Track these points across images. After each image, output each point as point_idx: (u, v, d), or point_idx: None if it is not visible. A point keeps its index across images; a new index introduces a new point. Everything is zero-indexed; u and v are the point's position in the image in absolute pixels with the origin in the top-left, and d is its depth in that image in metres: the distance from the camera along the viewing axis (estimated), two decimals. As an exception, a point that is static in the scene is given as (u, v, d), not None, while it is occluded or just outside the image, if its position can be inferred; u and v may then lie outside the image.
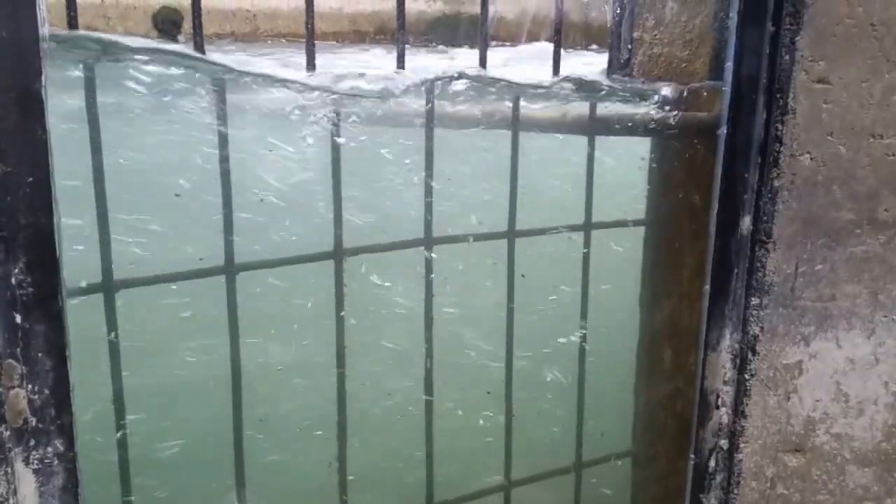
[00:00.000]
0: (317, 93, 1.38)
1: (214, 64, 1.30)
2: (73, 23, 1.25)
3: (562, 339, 1.70)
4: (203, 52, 1.32)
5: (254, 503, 1.40)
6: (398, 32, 1.48)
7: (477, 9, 1.56)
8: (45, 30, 1.06)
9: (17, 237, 1.08)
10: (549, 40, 1.65)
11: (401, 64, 1.48)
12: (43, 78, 1.06)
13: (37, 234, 1.09)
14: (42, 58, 1.05)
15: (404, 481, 1.62)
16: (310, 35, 1.40)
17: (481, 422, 1.67)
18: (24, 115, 1.05)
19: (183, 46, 1.29)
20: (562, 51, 1.59)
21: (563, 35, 1.59)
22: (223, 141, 1.32)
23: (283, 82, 1.36)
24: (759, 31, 1.45)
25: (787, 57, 1.43)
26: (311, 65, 1.41)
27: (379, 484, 1.57)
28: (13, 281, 1.08)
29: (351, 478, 1.47)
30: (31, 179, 1.07)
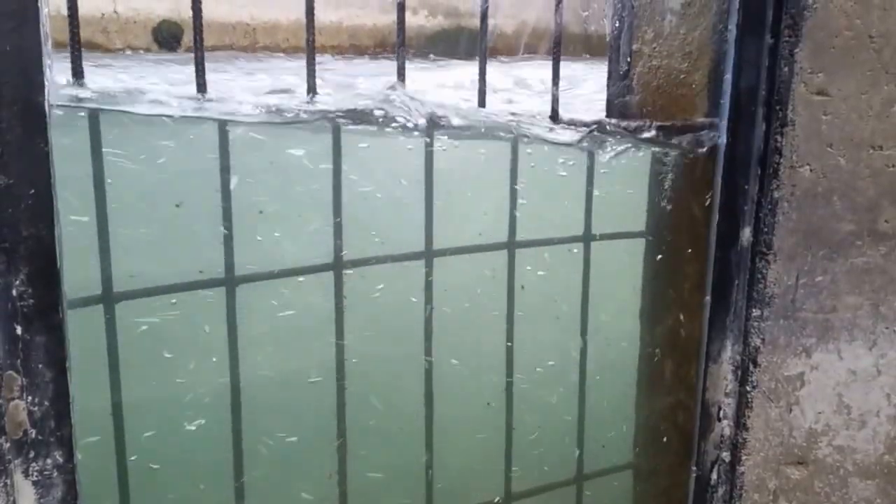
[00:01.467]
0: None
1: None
2: (74, 38, 1.26)
3: (562, 351, 1.70)
4: (203, 69, 1.33)
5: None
6: (398, 47, 1.48)
7: (476, 23, 1.57)
8: (48, 45, 1.07)
9: (19, 249, 1.08)
10: (547, 53, 1.66)
11: (401, 78, 1.49)
12: (46, 91, 1.07)
13: (38, 246, 1.09)
14: (45, 72, 1.06)
15: (404, 494, 1.61)
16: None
17: (481, 434, 1.67)
18: (27, 128, 1.06)
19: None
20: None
21: (562, 47, 1.60)
22: (224, 150, 1.33)
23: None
24: (758, 44, 1.46)
25: (786, 69, 1.44)
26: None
27: (378, 496, 1.57)
28: (14, 292, 1.09)
29: (352, 486, 1.47)
30: (32, 191, 1.08)
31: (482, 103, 1.55)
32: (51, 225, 1.09)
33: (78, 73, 1.25)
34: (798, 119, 1.45)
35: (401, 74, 1.49)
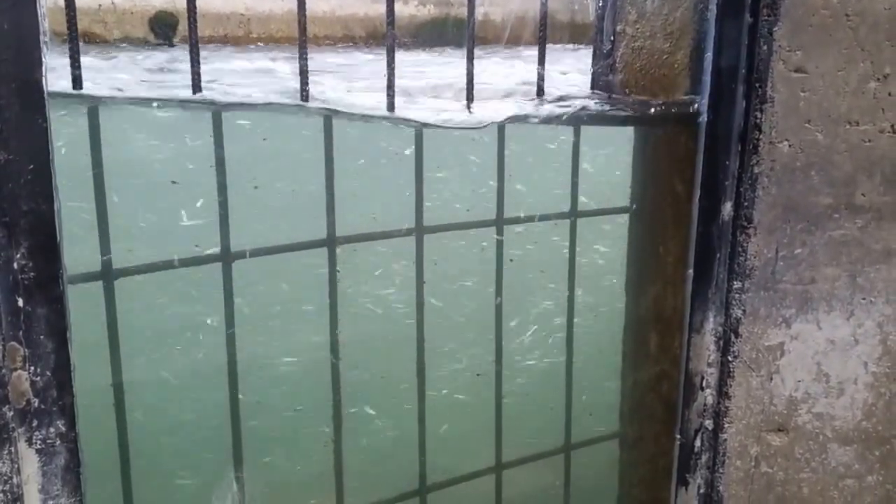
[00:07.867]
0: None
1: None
2: (72, 27, 1.29)
3: (550, 323, 1.74)
4: (198, 57, 1.36)
5: (251, 480, 1.43)
6: (388, 32, 1.51)
7: (463, 11, 1.60)
8: (45, 22, 1.10)
9: (19, 223, 1.11)
10: (530, 41, 1.69)
11: (391, 61, 1.52)
12: (43, 68, 1.09)
13: (38, 220, 1.12)
14: (42, 48, 1.09)
15: (398, 463, 1.65)
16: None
17: (472, 405, 1.71)
18: (25, 105, 1.09)
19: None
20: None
21: (546, 35, 1.63)
22: (218, 129, 1.36)
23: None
24: (737, 23, 1.49)
25: (765, 47, 1.47)
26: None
27: (373, 466, 1.60)
28: (15, 266, 1.11)
29: (347, 455, 1.50)
30: (31, 167, 1.10)
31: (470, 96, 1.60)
32: (50, 199, 1.12)
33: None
34: (777, 96, 1.49)
35: (390, 60, 1.52)
